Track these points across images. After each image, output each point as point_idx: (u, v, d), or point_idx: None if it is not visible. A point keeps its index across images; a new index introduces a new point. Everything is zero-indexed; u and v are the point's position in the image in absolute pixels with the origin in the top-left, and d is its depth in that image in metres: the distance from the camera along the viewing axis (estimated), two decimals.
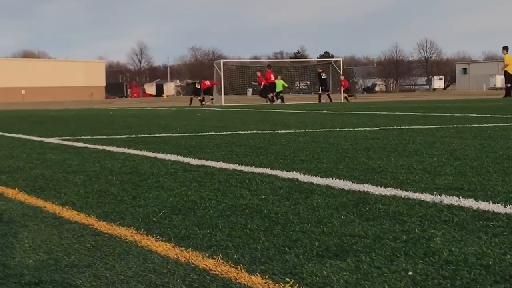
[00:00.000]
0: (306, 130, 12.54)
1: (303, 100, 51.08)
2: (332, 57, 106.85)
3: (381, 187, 5.33)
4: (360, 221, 4.11)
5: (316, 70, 51.88)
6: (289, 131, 12.24)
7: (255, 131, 12.38)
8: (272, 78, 46.57)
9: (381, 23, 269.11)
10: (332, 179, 5.85)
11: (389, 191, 5.11)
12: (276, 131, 12.27)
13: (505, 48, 38.70)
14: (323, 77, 47.77)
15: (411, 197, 4.84)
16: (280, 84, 48.27)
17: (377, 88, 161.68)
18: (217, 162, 7.40)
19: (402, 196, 4.89)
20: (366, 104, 36.10)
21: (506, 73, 38.59)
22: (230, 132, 12.30)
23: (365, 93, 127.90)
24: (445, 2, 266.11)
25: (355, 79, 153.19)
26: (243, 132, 12.31)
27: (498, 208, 4.33)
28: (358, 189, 5.26)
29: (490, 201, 4.56)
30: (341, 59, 56.63)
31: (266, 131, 12.36)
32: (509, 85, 38.47)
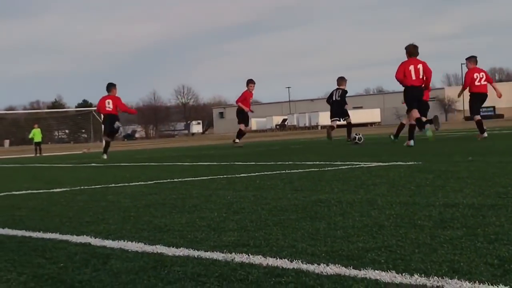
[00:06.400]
0: (82, 187, 12.59)
1: (65, 150, 50.31)
2: (91, 105, 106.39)
3: (173, 247, 5.62)
4: (163, 285, 4.38)
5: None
6: (65, 189, 12.24)
7: (30, 191, 12.26)
8: None
9: (139, 71, 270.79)
10: (124, 241, 6.07)
11: (182, 251, 5.41)
12: (52, 190, 12.22)
13: None
14: None
15: (204, 257, 5.16)
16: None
17: (137, 135, 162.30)
18: (3, 228, 7.37)
19: (195, 256, 5.20)
20: (132, 153, 36.26)
21: None
22: (5, 194, 12.11)
23: (125, 140, 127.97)
24: (201, 49, 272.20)
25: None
26: (17, 192, 12.16)
27: (285, 263, 4.76)
28: (152, 251, 5.52)
29: (277, 257, 4.97)
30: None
31: (42, 190, 12.28)
32: None
